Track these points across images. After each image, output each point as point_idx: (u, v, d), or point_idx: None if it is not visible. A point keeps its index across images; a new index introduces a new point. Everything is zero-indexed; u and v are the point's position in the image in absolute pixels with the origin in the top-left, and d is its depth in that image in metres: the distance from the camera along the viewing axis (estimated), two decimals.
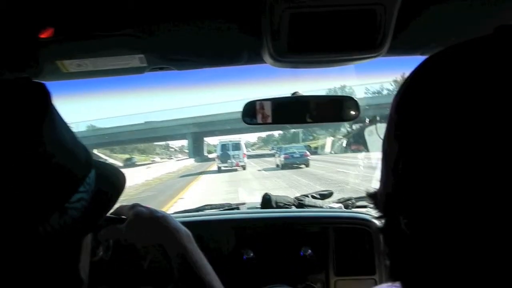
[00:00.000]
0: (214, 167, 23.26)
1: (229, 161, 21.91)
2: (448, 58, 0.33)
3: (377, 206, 0.39)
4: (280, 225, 1.24)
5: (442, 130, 0.30)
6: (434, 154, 0.30)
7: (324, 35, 0.73)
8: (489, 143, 0.27)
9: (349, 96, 1.11)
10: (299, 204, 1.45)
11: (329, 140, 30.99)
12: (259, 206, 1.48)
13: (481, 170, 0.28)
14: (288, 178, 14.39)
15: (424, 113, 0.32)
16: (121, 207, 0.79)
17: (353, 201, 1.49)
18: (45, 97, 0.43)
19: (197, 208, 1.58)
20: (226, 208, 1.54)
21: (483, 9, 0.76)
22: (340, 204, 1.48)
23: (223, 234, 1.22)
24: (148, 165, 25.43)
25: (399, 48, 0.86)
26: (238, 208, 1.53)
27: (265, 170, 20.52)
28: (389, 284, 0.49)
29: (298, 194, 1.57)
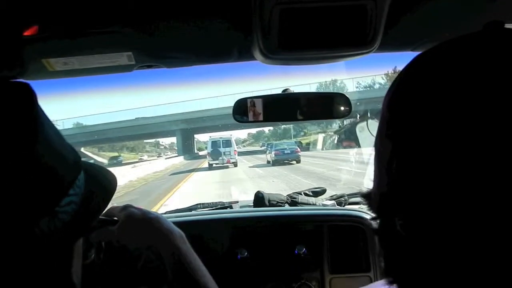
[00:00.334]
0: (205, 165, 23.19)
1: (220, 158, 21.92)
2: (438, 55, 0.33)
3: (371, 207, 0.38)
4: (274, 223, 1.24)
5: (435, 128, 0.29)
6: (428, 153, 0.30)
7: (315, 31, 0.73)
8: (484, 139, 0.27)
9: (340, 93, 1.11)
10: (292, 201, 1.45)
11: (320, 137, 31.15)
12: (252, 204, 1.48)
13: (477, 168, 0.27)
14: (285, 176, 14.33)
15: (417, 112, 0.31)
16: (112, 209, 0.78)
17: (346, 197, 1.50)
18: (30, 97, 0.41)
19: (189, 207, 1.57)
20: (219, 206, 1.53)
21: (474, 5, 0.76)
22: (333, 201, 1.48)
23: (217, 234, 1.21)
24: (133, 164, 24.33)
25: (391, 44, 0.86)
26: (231, 207, 1.52)
27: (256, 166, 20.60)
28: (384, 282, 0.49)
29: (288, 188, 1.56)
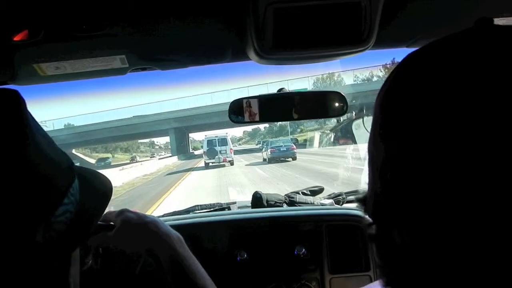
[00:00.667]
0: (201, 164, 23.04)
1: (216, 156, 21.94)
2: (429, 55, 0.33)
3: (367, 212, 0.38)
4: (273, 224, 1.23)
5: (429, 129, 0.29)
6: (422, 157, 0.29)
7: (309, 30, 0.72)
8: (480, 137, 0.26)
9: (336, 91, 1.10)
10: (290, 201, 1.44)
11: (317, 135, 31.14)
12: (250, 205, 1.47)
13: (473, 169, 0.26)
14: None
15: (410, 114, 0.30)
16: (108, 213, 0.77)
17: (344, 196, 1.50)
18: (18, 103, 0.40)
19: (186, 209, 1.56)
20: (217, 208, 1.52)
21: (467, 1, 0.76)
22: (331, 200, 1.47)
23: (216, 236, 1.20)
24: (122, 167, 22.15)
25: (385, 41, 0.86)
26: (229, 208, 1.51)
27: (253, 164, 20.69)
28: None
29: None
